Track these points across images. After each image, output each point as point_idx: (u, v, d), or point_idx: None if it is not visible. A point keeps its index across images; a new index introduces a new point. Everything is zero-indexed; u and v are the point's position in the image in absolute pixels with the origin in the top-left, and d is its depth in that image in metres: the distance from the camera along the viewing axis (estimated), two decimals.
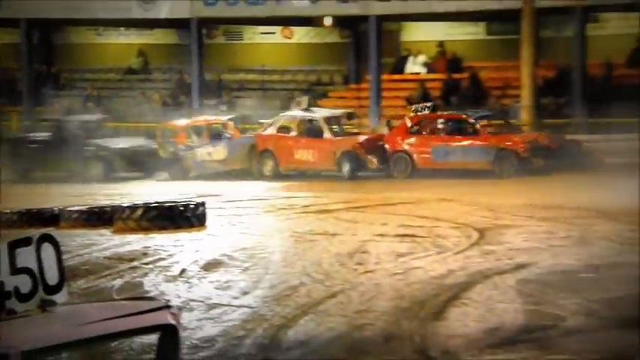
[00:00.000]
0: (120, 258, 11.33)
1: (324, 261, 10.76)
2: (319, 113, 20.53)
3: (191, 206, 13.40)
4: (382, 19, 23.75)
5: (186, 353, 7.32)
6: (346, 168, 19.14)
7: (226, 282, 9.98)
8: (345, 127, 20.90)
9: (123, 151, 20.69)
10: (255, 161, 20.00)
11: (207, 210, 13.47)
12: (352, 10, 23.65)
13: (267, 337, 7.96)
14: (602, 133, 19.82)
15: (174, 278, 10.26)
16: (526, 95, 21.13)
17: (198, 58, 24.46)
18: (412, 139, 19.44)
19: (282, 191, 17.53)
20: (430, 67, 25.31)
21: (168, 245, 11.99)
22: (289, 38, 27.56)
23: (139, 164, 20.63)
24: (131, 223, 13.00)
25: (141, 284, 10.02)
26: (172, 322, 3.92)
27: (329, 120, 20.16)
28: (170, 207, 13.33)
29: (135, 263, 11.00)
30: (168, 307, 4.04)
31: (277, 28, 27.07)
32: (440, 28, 25.89)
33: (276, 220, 14.14)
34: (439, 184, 17.48)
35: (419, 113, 19.84)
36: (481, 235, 12.11)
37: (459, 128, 19.76)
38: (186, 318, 8.34)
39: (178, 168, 20.42)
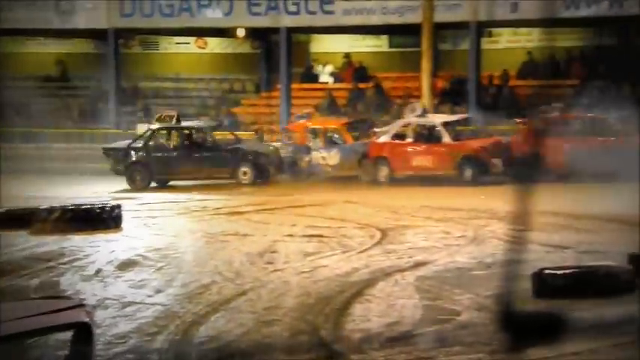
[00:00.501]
0: (37, 258, 11.12)
1: (235, 260, 10.73)
2: (437, 119, 19.50)
3: (107, 208, 13.23)
4: (292, 31, 23.82)
5: (101, 349, 7.22)
6: (468, 172, 18.13)
7: (140, 281, 9.88)
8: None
9: (266, 155, 19.41)
10: (366, 168, 18.89)
11: (123, 212, 13.31)
12: (264, 22, 23.65)
13: (178, 333, 7.92)
14: None
15: (89, 278, 10.12)
16: (425, 104, 21.44)
17: (115, 67, 24.16)
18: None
19: (196, 194, 17.43)
20: (337, 76, 25.51)
21: (85, 246, 11.80)
22: (203, 48, 27.43)
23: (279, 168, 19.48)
24: (48, 224, 12.76)
25: (57, 283, 9.85)
26: (86, 319, 3.88)
27: (446, 125, 19.06)
28: (86, 209, 13.14)
29: (52, 263, 10.81)
30: (82, 305, 3.99)
31: (192, 39, 26.94)
32: (346, 40, 26.11)
33: (189, 222, 14.05)
34: (345, 187, 17.63)
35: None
36: (384, 235, 12.24)
37: None
38: (100, 316, 8.23)
39: (296, 170, 19.27)
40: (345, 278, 9.78)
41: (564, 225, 12.68)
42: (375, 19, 22.95)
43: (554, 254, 10.46)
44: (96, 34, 24.61)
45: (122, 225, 13.09)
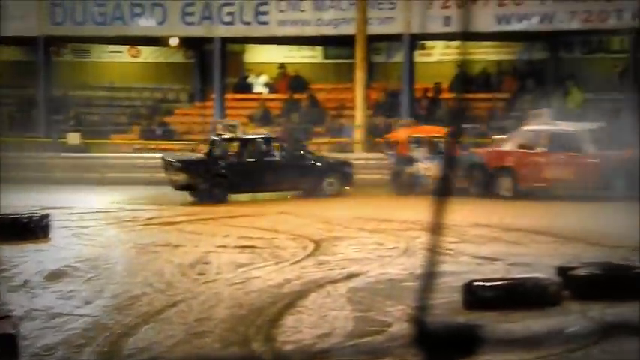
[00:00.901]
0: None
1: (166, 271, 10.66)
2: (577, 126, 17.57)
3: (35, 218, 13.03)
4: (226, 41, 23.78)
5: None
6: (619, 186, 16.14)
7: (69, 292, 9.74)
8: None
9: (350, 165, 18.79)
10: (479, 180, 17.40)
11: (51, 222, 13.12)
12: (197, 31, 23.58)
13: (107, 345, 7.83)
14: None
15: (17, 288, 9.94)
16: (359, 115, 21.60)
17: (45, 75, 23.83)
18: None
19: (127, 204, 17.25)
20: (272, 87, 25.53)
21: (13, 256, 11.59)
22: (136, 57, 27.22)
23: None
24: None
25: None
26: (12, 331, 3.82)
27: (588, 134, 17.21)
28: (14, 219, 12.92)
29: None
30: (8, 316, 3.93)
31: (125, 48, 26.71)
32: (281, 51, 26.16)
33: (120, 232, 13.91)
34: (278, 198, 17.64)
35: None
36: (316, 246, 12.28)
37: None
38: (27, 327, 8.10)
39: (399, 182, 18.28)
40: (278, 289, 9.78)
41: (494, 237, 12.87)
42: (310, 31, 23.04)
43: (484, 266, 10.61)
44: (26, 42, 24.26)
45: (51, 235, 12.91)
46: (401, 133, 19.15)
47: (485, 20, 21.83)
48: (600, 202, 15.75)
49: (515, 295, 8.22)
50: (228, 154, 18.09)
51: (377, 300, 9.17)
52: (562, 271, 8.78)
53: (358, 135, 21.63)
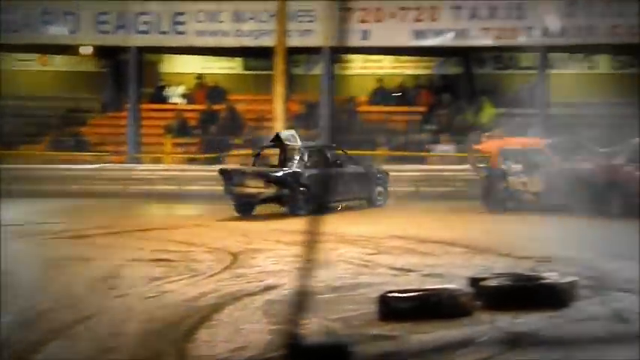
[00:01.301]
0: None
1: (76, 286, 10.45)
2: None
3: None
4: (142, 50, 23.56)
5: None
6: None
7: None
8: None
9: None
10: (595, 198, 15.84)
11: None
12: (112, 40, 23.32)
13: None
14: None
15: None
16: (279, 127, 21.61)
17: None
18: None
19: (38, 216, 16.91)
20: (189, 97, 25.37)
21: None
22: (46, 66, 26.76)
23: None
24: None
25: None
26: None
27: None
28: None
29: None
30: None
31: (35, 56, 26.24)
32: (199, 61, 26.05)
33: (27, 246, 13.60)
34: (196, 210, 17.53)
35: None
36: (234, 259, 12.20)
37: None
38: None
39: (492, 197, 17.42)
40: (192, 303, 9.66)
41: (410, 248, 12.99)
42: (229, 42, 23.01)
43: (399, 277, 10.68)
44: None
45: None
46: (491, 145, 18.18)
47: (402, 35, 22.12)
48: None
49: (429, 305, 8.30)
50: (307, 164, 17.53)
51: (289, 314, 9.14)
52: (474, 281, 8.93)
53: None
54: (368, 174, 18.33)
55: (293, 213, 16.83)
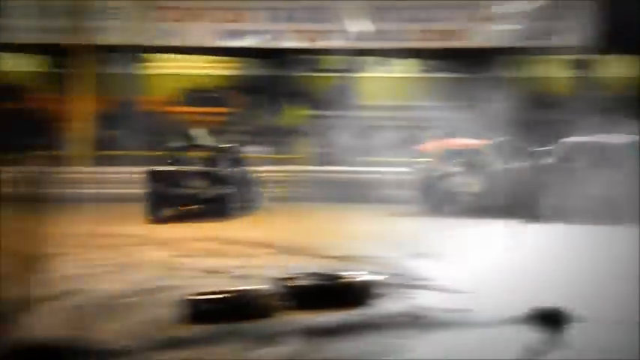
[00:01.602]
0: None
1: None
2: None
3: None
4: None
5: None
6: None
7: None
8: None
9: None
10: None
11: None
12: None
13: None
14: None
15: None
16: (82, 128, 21.16)
17: None
18: None
19: None
20: None
21: None
22: None
23: None
24: None
25: None
26: None
27: None
28: None
29: None
30: None
31: None
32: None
33: None
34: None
35: None
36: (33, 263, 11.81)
37: None
38: None
39: (430, 198, 16.98)
40: None
41: (217, 250, 13.02)
42: (31, 39, 22.32)
43: (208, 279, 10.68)
44: None
45: None
46: (433, 145, 18.08)
47: (211, 35, 22.13)
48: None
49: (235, 307, 8.37)
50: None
51: (94, 318, 8.97)
52: (280, 281, 9.09)
53: (81, 148, 21.17)
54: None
55: (225, 215, 16.48)
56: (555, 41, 21.66)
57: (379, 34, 22.29)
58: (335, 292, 8.84)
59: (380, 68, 24.90)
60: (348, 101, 22.73)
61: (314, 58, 24.85)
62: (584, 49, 21.34)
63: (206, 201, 16.84)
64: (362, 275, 9.38)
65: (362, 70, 23.69)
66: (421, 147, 18.44)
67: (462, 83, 22.55)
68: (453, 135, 18.37)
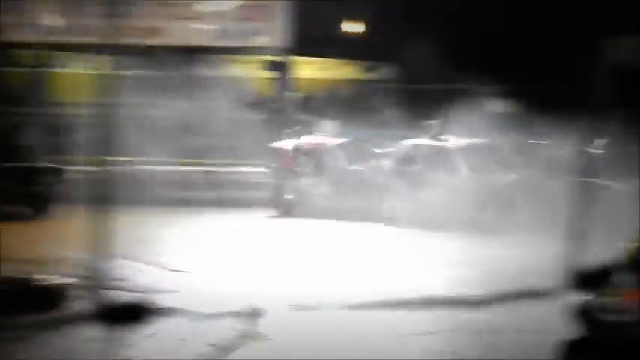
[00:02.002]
0: None
1: None
2: None
3: None
4: None
5: None
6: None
7: None
8: None
9: None
10: None
11: None
12: None
13: None
14: None
15: None
16: None
17: None
18: None
19: None
20: None
21: None
22: None
23: None
24: None
25: None
26: None
27: None
28: None
29: None
30: None
31: None
32: None
33: None
34: None
35: None
36: None
37: None
38: None
39: (282, 200, 16.22)
40: None
41: None
42: None
43: None
44: None
45: None
46: (286, 144, 17.41)
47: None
48: None
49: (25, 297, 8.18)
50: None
51: None
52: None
53: None
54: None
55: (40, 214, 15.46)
56: (253, 42, 22.31)
57: (75, 29, 21.86)
58: (28, 296, 8.70)
59: (75, 64, 24.40)
60: (42, 98, 22.12)
61: (4, 52, 23.91)
62: (280, 51, 22.15)
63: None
64: (55, 278, 9.28)
65: (56, 65, 23.11)
66: (276, 145, 17.94)
67: (161, 81, 22.65)
68: (303, 133, 18.08)
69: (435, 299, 9.11)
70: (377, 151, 16.85)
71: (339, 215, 15.97)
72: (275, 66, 22.44)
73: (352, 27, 25.52)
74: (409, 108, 17.66)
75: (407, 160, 16.14)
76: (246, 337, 8.77)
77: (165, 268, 11.80)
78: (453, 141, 16.09)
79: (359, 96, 23.74)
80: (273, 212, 16.99)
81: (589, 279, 3.07)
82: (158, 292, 10.08)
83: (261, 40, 22.21)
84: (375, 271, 12.18)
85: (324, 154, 17.12)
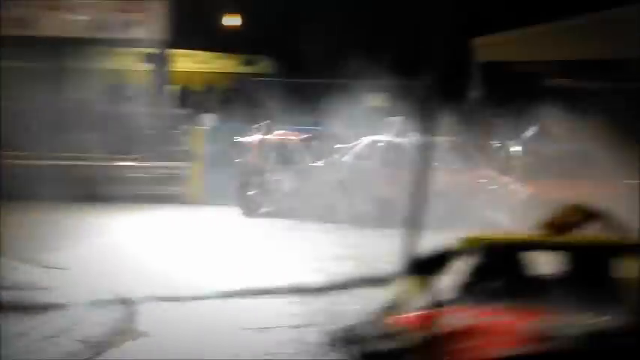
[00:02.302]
0: None
1: None
2: None
3: None
4: None
5: None
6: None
7: None
8: None
9: None
10: None
11: None
12: None
13: None
14: None
15: None
16: None
17: None
18: None
19: None
20: None
21: None
22: None
23: None
24: None
25: None
26: None
27: None
28: None
29: None
30: None
31: None
32: None
33: None
34: None
35: None
36: None
37: None
38: None
39: (247, 197, 15.71)
40: None
41: None
42: None
43: None
44: None
45: None
46: (254, 138, 16.82)
47: None
48: None
49: None
50: None
51: None
52: None
53: None
54: None
55: None
56: (129, 34, 22.12)
57: None
58: None
59: None
60: None
61: None
62: (157, 43, 22.03)
63: None
64: None
65: None
66: (244, 140, 17.23)
67: (34, 73, 22.25)
68: (273, 128, 17.48)
69: (274, 288, 9.53)
70: (339, 146, 16.66)
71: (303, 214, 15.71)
72: (152, 58, 22.32)
73: (231, 20, 25.61)
74: (286, 101, 17.87)
75: (364, 155, 16.18)
76: (116, 332, 8.82)
77: (43, 265, 11.72)
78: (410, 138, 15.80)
79: (236, 89, 23.86)
80: (169, 206, 17.17)
81: (423, 265, 3.28)
82: (34, 289, 10.03)
83: (138, 32, 22.04)
84: (242, 263, 12.42)
85: (290, 148, 16.85)
